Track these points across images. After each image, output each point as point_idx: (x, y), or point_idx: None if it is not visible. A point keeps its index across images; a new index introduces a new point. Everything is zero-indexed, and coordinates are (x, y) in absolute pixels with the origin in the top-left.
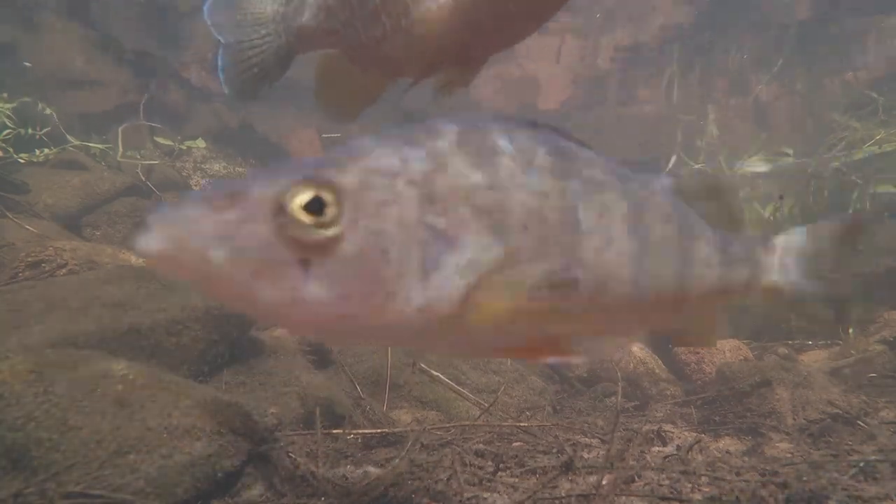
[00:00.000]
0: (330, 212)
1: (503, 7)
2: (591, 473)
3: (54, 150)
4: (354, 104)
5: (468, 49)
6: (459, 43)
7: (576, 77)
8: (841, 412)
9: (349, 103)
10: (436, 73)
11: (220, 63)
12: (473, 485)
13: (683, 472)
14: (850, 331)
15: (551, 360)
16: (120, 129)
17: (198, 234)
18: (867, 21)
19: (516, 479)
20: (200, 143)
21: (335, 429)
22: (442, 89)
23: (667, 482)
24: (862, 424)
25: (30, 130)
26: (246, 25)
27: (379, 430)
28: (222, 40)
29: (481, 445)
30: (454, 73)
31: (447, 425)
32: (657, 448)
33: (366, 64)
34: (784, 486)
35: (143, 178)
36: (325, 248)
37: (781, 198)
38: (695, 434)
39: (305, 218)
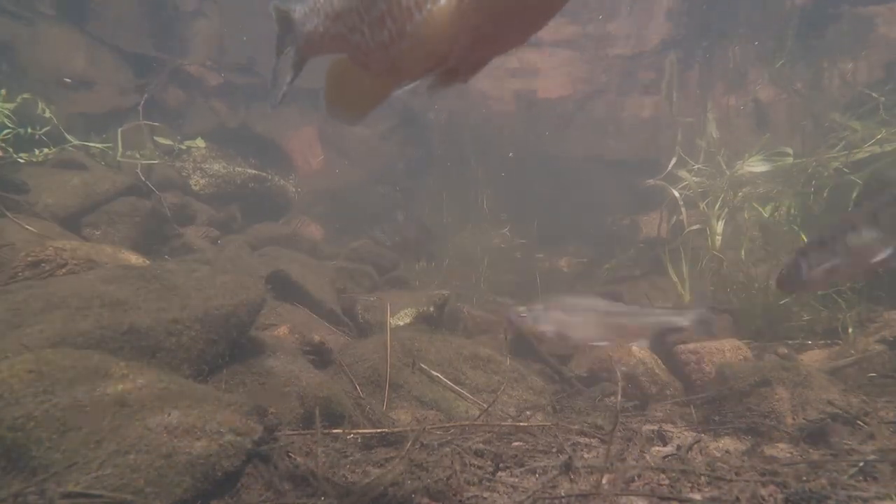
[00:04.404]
0: None
1: (504, 11)
2: (591, 473)
3: (54, 149)
4: (361, 106)
5: (470, 52)
6: (462, 47)
7: (576, 70)
8: (841, 412)
9: (356, 105)
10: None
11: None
12: (473, 485)
13: (683, 472)
14: (850, 331)
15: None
16: (119, 130)
17: None
18: (868, 15)
19: (516, 479)
20: (200, 142)
21: (335, 429)
22: (439, 84)
23: (667, 482)
24: (862, 424)
25: (30, 130)
26: (284, 36)
27: (379, 430)
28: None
29: (481, 445)
30: (454, 73)
31: (447, 425)
32: (657, 448)
33: (372, 68)
34: (784, 486)
35: (143, 178)
36: None
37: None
38: (695, 434)
39: None
